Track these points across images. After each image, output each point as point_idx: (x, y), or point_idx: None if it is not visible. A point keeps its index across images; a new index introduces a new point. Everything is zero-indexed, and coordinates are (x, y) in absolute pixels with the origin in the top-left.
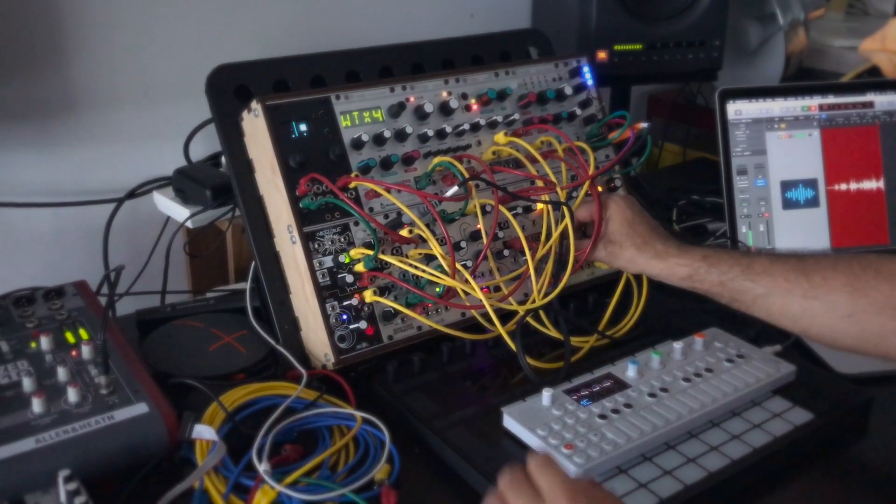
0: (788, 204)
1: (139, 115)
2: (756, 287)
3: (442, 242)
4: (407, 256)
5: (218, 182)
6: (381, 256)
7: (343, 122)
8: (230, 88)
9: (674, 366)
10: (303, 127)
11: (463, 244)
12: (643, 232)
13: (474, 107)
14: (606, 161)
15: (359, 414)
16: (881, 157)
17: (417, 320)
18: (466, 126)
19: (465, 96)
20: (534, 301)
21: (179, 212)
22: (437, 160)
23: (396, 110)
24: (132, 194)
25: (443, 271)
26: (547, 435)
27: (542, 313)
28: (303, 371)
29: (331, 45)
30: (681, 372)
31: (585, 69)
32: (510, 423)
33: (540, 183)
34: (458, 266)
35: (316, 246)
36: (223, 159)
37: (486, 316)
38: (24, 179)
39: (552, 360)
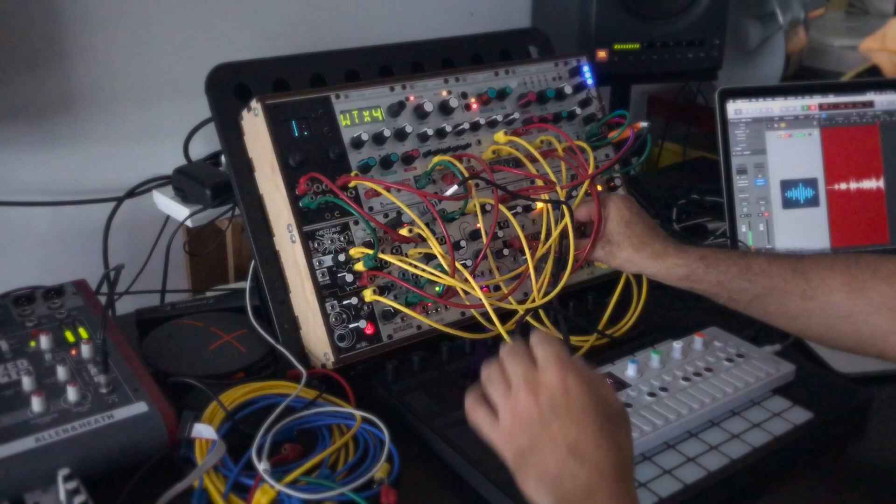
0: (788, 203)
1: (139, 114)
2: (754, 287)
3: (442, 241)
4: (407, 256)
5: (217, 181)
6: (381, 255)
7: (343, 122)
8: (230, 87)
9: (673, 365)
10: (303, 126)
11: (463, 243)
12: (641, 232)
13: (474, 106)
14: (606, 160)
15: (358, 413)
16: (881, 157)
17: (417, 319)
18: (466, 125)
19: (464, 95)
20: (533, 300)
21: (179, 211)
22: (436, 159)
23: (396, 109)
24: (132, 193)
25: (442, 270)
26: None
27: (541, 312)
28: (302, 370)
29: (330, 44)
30: (680, 371)
31: (585, 68)
32: None
33: (540, 182)
34: (457, 265)
35: (316, 245)
36: (223, 158)
37: (485, 315)
38: (23, 178)
39: None
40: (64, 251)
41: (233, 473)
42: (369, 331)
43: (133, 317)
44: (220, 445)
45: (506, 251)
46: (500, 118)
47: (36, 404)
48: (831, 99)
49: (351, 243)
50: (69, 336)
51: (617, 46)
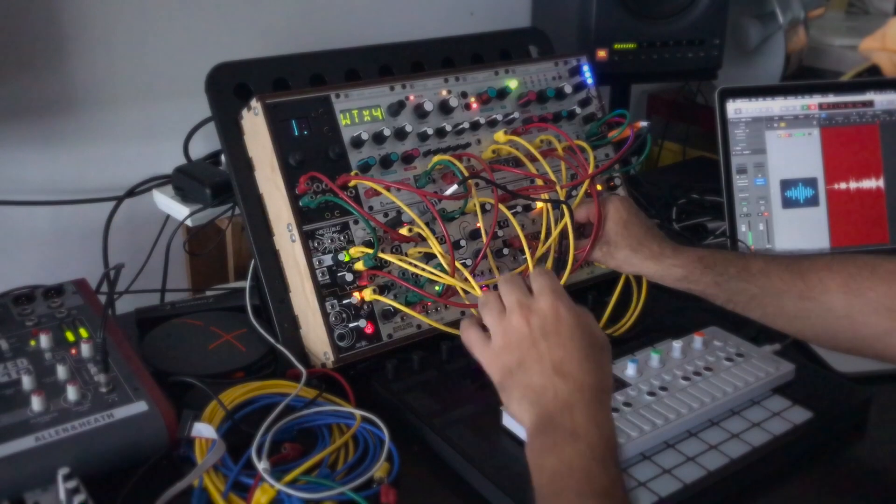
0: (788, 203)
1: (139, 113)
2: (751, 288)
3: (441, 241)
4: (406, 255)
5: (217, 180)
6: (381, 255)
7: (343, 121)
8: (230, 87)
9: (673, 364)
10: (303, 125)
11: (462, 243)
12: (638, 233)
13: (474, 105)
14: (606, 160)
15: (358, 412)
16: (881, 157)
17: (417, 319)
18: (466, 124)
19: (464, 95)
20: None
21: (179, 210)
22: (436, 159)
23: (396, 109)
24: (132, 192)
25: (442, 270)
26: None
27: None
28: (302, 369)
29: (330, 43)
30: (680, 371)
31: (585, 68)
32: (509, 421)
33: (539, 181)
34: (457, 264)
35: (315, 244)
36: (223, 158)
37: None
38: (23, 177)
39: None
40: (64, 250)
41: (232, 473)
42: (369, 330)
43: (133, 316)
44: (220, 445)
45: (506, 251)
46: (499, 117)
47: (36, 403)
48: (831, 98)
49: (351, 242)
50: (69, 335)
51: (617, 46)
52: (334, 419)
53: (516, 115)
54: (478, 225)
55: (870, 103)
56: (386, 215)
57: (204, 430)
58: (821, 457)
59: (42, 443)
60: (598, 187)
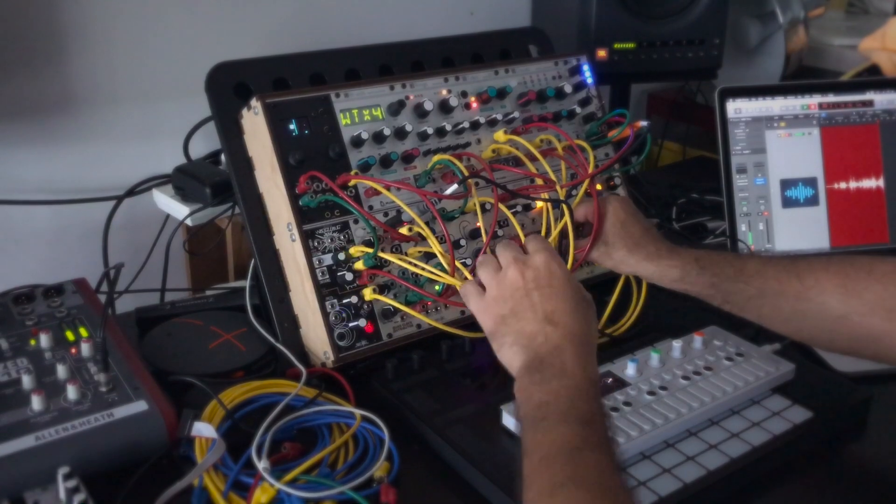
0: (788, 202)
1: (139, 112)
2: (748, 289)
3: (441, 240)
4: (406, 254)
5: (217, 180)
6: (381, 254)
7: (343, 120)
8: (230, 86)
9: (673, 364)
10: (303, 125)
11: (462, 242)
12: (635, 233)
13: (474, 105)
14: (606, 159)
15: (358, 412)
16: (881, 156)
17: (417, 318)
18: (466, 124)
19: (464, 94)
20: None
21: (179, 209)
22: (436, 158)
23: (396, 108)
24: (132, 192)
25: (442, 269)
26: None
27: None
28: (302, 369)
29: (330, 42)
30: (680, 370)
31: (585, 67)
32: (509, 420)
33: (539, 181)
34: (457, 264)
35: (315, 244)
36: (223, 157)
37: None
38: (23, 177)
39: None
40: (64, 250)
41: (232, 472)
42: (369, 329)
43: (133, 315)
44: (220, 444)
45: None
46: (499, 117)
47: (36, 403)
48: (831, 98)
49: (351, 242)
50: (69, 335)
51: (617, 45)
52: (334, 419)
53: (516, 114)
54: (478, 224)
55: (870, 103)
56: (386, 215)
57: (204, 430)
58: (821, 456)
59: (42, 442)
60: (598, 187)
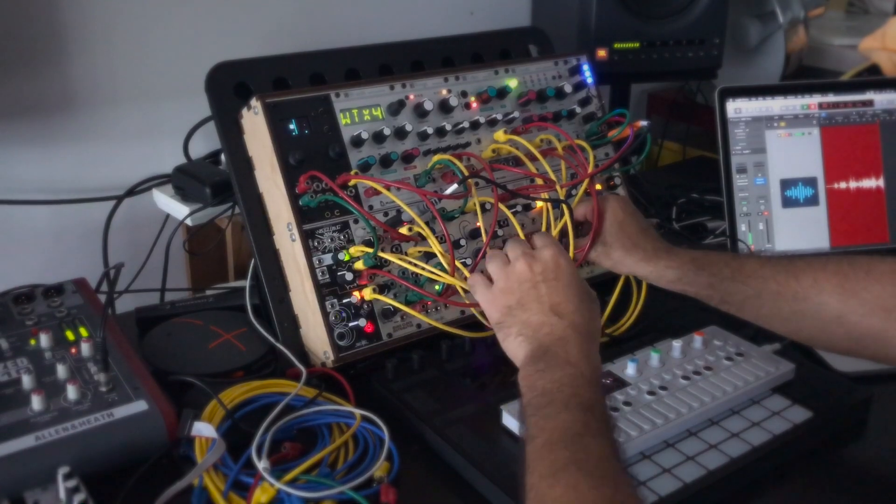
0: (788, 202)
1: (139, 112)
2: (746, 289)
3: (441, 240)
4: (406, 254)
5: (217, 180)
6: (381, 254)
7: (343, 120)
8: (230, 86)
9: (673, 364)
10: (302, 124)
11: (462, 242)
12: (633, 234)
13: (474, 105)
14: (606, 159)
15: (358, 412)
16: (881, 156)
17: (417, 318)
18: (466, 124)
19: (464, 94)
20: None
21: (179, 209)
22: (436, 158)
23: (396, 108)
24: (132, 192)
25: (442, 269)
26: None
27: None
28: (302, 369)
29: (330, 42)
30: (680, 370)
31: (585, 67)
32: (509, 420)
33: (539, 181)
34: (457, 264)
35: (315, 244)
36: (223, 157)
37: (485, 314)
38: (23, 177)
39: None
40: (64, 249)
41: (232, 472)
42: (369, 329)
43: (133, 315)
44: (220, 444)
45: None
46: (499, 117)
47: (36, 403)
48: (831, 98)
49: (351, 242)
50: (69, 334)
51: (617, 45)
52: (334, 418)
53: (516, 114)
54: (478, 224)
55: (870, 103)
56: (386, 214)
57: (204, 430)
58: (820, 456)
59: (42, 442)
60: (598, 186)
